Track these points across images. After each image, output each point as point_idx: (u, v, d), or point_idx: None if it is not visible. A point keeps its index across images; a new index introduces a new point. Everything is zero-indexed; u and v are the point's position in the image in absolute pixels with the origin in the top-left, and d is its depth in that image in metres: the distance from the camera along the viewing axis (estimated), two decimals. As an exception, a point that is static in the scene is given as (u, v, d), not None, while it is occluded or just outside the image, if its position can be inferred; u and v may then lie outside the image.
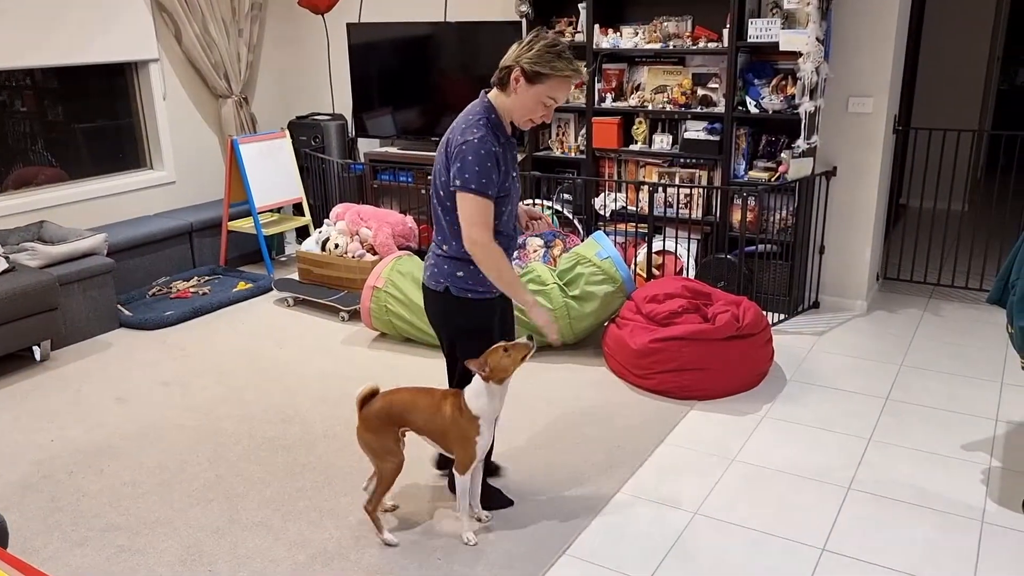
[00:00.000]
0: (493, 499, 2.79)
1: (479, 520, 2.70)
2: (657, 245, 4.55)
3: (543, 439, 3.23)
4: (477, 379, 2.49)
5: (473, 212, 2.34)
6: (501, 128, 2.45)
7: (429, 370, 3.87)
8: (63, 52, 4.76)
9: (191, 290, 4.92)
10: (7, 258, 3.99)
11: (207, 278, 5.16)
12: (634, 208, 4.74)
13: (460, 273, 2.49)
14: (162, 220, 5.16)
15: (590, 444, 3.19)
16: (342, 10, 5.75)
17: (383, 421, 2.57)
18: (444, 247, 2.51)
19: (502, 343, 2.48)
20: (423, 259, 4.39)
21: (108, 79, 5.22)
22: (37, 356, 4.06)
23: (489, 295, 2.53)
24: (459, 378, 2.65)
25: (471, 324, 2.56)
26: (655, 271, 4.54)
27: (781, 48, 4.01)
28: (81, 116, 5.13)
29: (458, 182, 2.34)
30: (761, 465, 3.02)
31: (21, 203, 4.68)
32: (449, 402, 2.55)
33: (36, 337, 3.94)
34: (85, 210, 5.01)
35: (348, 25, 5.43)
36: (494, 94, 2.49)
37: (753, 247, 4.37)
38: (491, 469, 2.94)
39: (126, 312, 4.56)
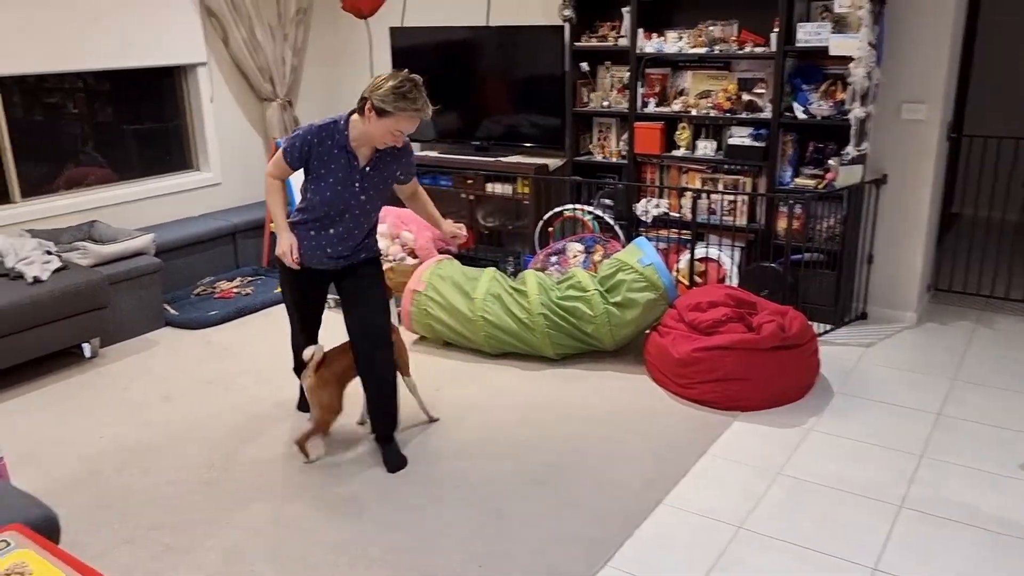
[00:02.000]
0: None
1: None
2: (700, 252, 4.49)
3: (582, 447, 3.21)
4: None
5: (275, 160, 2.98)
6: (341, 136, 2.90)
7: (467, 373, 3.87)
8: (115, 55, 4.85)
9: (234, 290, 4.98)
10: (59, 257, 4.07)
11: (250, 279, 5.22)
12: (676, 214, 4.69)
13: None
14: (207, 221, 5.23)
15: (631, 454, 3.15)
16: (385, 14, 5.79)
17: (337, 383, 3.09)
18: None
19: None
20: (464, 263, 4.40)
21: (157, 82, 5.32)
22: (87, 353, 4.14)
23: (310, 264, 3.05)
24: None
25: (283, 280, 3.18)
26: (697, 278, 4.49)
27: (831, 53, 3.94)
28: (131, 118, 5.23)
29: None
30: (807, 479, 2.97)
31: (73, 203, 4.78)
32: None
33: (86, 335, 4.02)
34: (134, 210, 5.10)
35: (391, 29, 5.46)
36: (355, 116, 2.90)
37: (799, 255, 4.30)
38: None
39: (172, 311, 4.63)
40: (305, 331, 3.28)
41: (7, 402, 3.68)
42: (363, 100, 2.80)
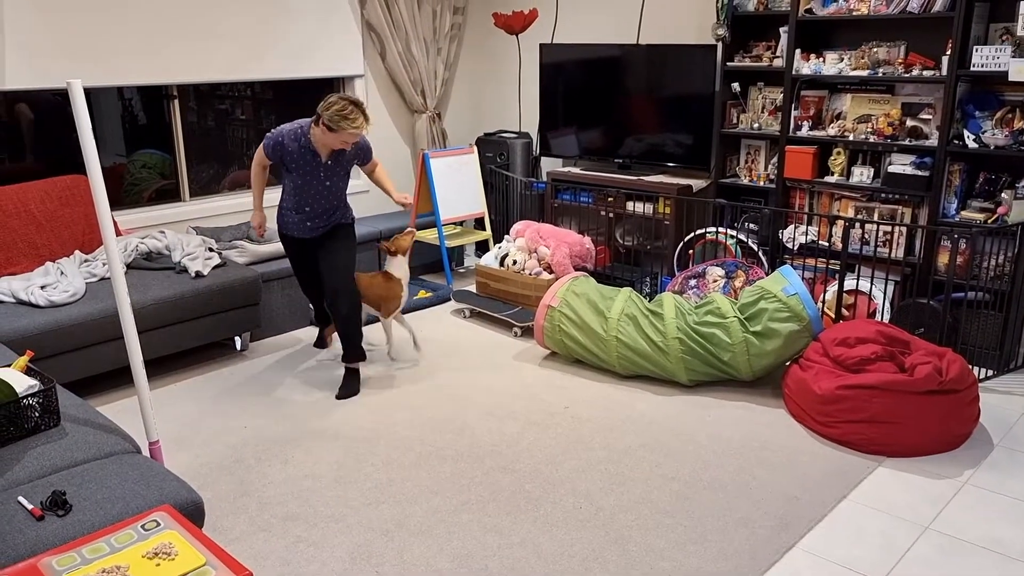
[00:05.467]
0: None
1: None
2: (849, 284, 4.26)
3: (714, 479, 3.10)
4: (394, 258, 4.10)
5: (259, 151, 3.75)
6: (304, 140, 3.65)
7: (596, 393, 3.83)
8: (281, 67, 5.16)
9: (375, 295, 5.15)
10: (220, 254, 4.35)
11: (390, 284, 5.39)
12: (825, 243, 4.47)
13: (278, 218, 3.96)
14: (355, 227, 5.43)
15: (764, 491, 3.02)
16: (536, 31, 5.86)
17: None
18: None
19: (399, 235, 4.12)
20: (600, 281, 4.37)
21: (317, 92, 5.60)
22: (238, 346, 4.41)
23: (288, 233, 3.92)
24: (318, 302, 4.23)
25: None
26: (845, 312, 4.25)
27: (1011, 78, 3.65)
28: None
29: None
30: (960, 538, 2.74)
31: (234, 203, 5.11)
32: (380, 277, 4.08)
33: (239, 328, 4.27)
34: (288, 213, 5.38)
35: (541, 45, 5.51)
36: (313, 126, 3.63)
37: (961, 293, 4.00)
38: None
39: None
40: (309, 292, 4.15)
41: (166, 388, 3.97)
42: (317, 115, 3.55)
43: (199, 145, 5.08)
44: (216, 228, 4.82)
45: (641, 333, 3.86)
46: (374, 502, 2.96)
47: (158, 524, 1.95)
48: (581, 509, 2.90)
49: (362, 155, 3.87)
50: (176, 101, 4.85)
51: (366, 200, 5.81)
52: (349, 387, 3.86)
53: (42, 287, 3.77)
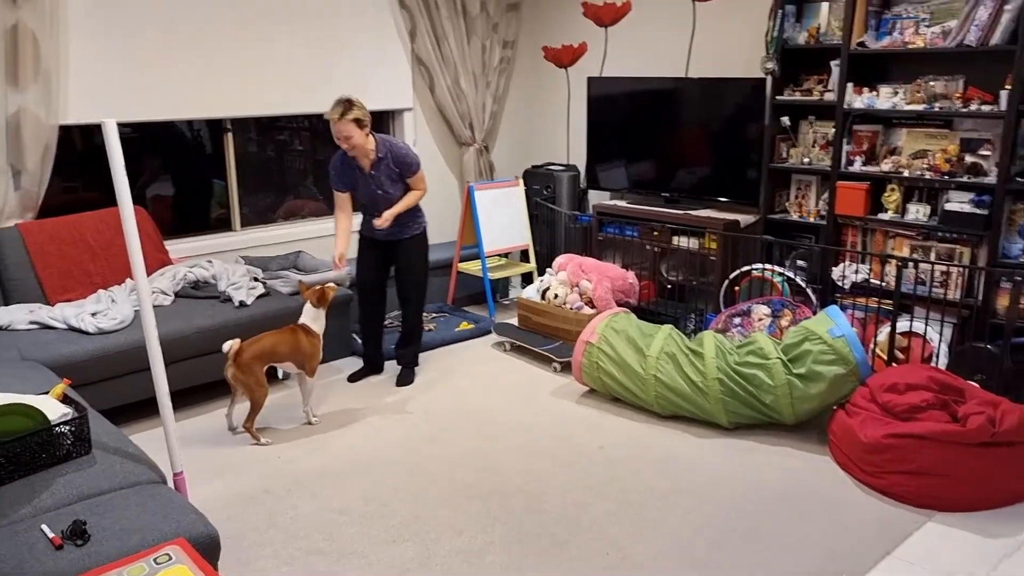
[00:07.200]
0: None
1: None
2: (903, 326, 4.09)
3: (750, 529, 2.98)
4: (308, 307, 3.85)
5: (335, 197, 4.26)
6: (348, 157, 4.11)
7: (633, 432, 3.74)
8: (332, 101, 5.24)
9: (418, 326, 5.17)
10: (264, 284, 4.42)
11: (434, 315, 5.41)
12: (879, 282, 4.31)
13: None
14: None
15: (804, 543, 2.88)
16: (585, 64, 5.86)
17: (258, 362, 3.66)
18: None
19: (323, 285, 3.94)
20: (643, 317, 4.29)
21: (368, 125, 5.69)
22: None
23: (365, 233, 4.34)
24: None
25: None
26: (898, 354, 4.08)
27: (1075, 114, 3.48)
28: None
29: None
30: (1012, 603, 2.57)
31: (285, 233, 5.20)
32: (299, 333, 3.80)
33: (280, 358, 4.31)
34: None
35: (589, 79, 5.50)
36: None
37: (1022, 339, 3.79)
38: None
39: (360, 341, 4.87)
40: (364, 303, 4.39)
41: (207, 415, 4.03)
42: None
43: (256, 175, 5.20)
44: (263, 258, 4.91)
45: (680, 372, 3.77)
46: (398, 539, 2.93)
47: (170, 558, 1.95)
48: (608, 556, 2.82)
49: (401, 165, 4.13)
50: (230, 134, 4.98)
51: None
52: (405, 379, 4.41)
53: (93, 314, 3.88)
